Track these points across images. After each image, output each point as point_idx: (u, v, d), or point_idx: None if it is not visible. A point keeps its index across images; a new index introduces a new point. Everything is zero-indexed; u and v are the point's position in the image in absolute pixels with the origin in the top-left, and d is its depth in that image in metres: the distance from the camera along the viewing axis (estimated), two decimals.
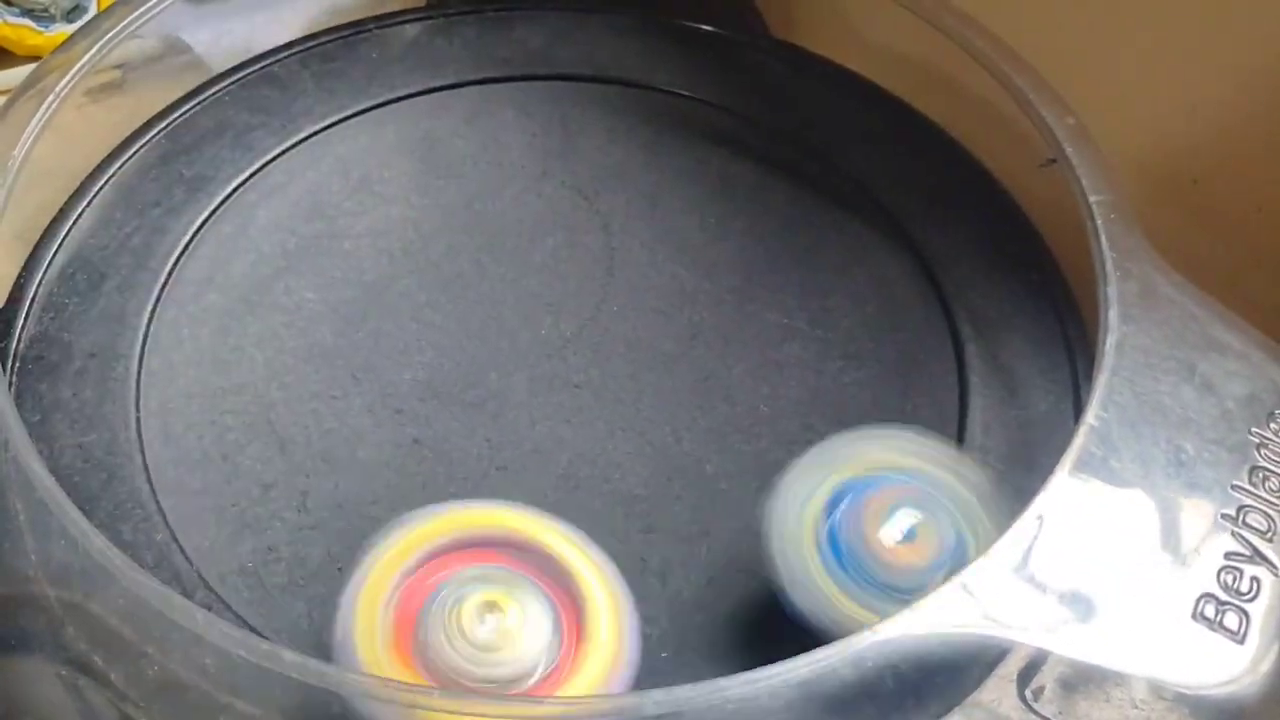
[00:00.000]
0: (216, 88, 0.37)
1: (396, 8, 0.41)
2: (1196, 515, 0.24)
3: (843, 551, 0.24)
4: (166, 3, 0.35)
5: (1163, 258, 0.29)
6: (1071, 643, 0.23)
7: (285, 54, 0.38)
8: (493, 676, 0.21)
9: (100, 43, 0.33)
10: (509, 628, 0.22)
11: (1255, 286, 0.37)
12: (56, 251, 0.33)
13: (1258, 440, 0.26)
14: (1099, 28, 0.39)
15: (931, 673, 0.24)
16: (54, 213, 0.34)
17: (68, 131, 0.32)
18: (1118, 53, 0.38)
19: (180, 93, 0.37)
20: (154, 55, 0.43)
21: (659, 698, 0.21)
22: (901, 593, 0.23)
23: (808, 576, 0.24)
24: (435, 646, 0.21)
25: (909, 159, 0.37)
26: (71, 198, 0.34)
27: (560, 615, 0.23)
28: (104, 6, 0.46)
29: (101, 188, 0.34)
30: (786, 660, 0.21)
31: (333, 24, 0.40)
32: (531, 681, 0.22)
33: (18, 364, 0.30)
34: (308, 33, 0.39)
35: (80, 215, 0.33)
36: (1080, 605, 0.23)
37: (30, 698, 0.23)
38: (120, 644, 0.22)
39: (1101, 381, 0.26)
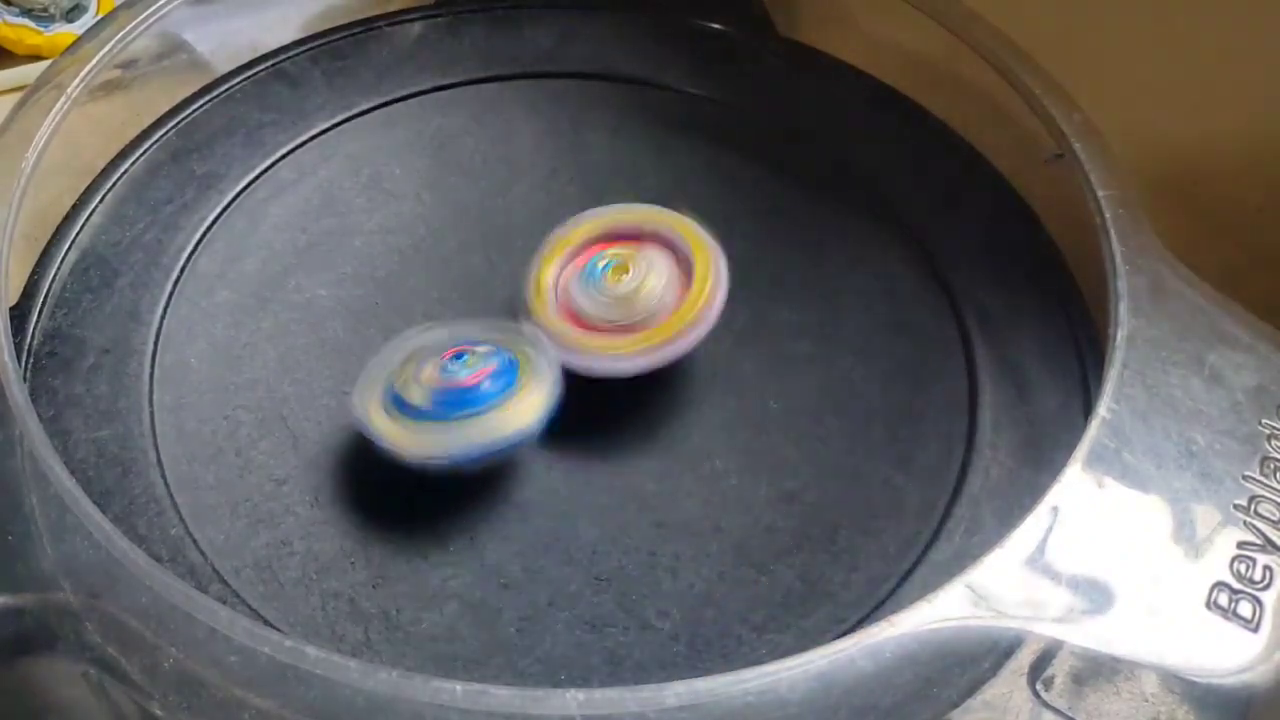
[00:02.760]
0: (227, 85, 0.37)
1: (403, 5, 0.41)
2: (1209, 506, 0.24)
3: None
4: (176, 2, 0.35)
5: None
6: (1086, 633, 0.23)
7: (296, 51, 0.38)
8: (624, 319, 0.29)
9: (111, 43, 0.33)
10: (636, 283, 0.30)
11: (1256, 287, 0.37)
12: (69, 248, 0.33)
13: (1268, 431, 0.26)
14: (1100, 28, 0.39)
15: (946, 665, 0.24)
16: (59, 211, 0.34)
17: (70, 131, 0.32)
18: (1118, 53, 0.38)
19: (183, 92, 0.37)
20: (157, 55, 0.43)
21: (679, 690, 0.21)
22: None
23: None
24: (581, 300, 0.30)
25: (916, 156, 0.37)
26: (83, 195, 0.34)
27: (674, 273, 0.30)
28: (104, 7, 0.47)
29: (113, 185, 0.34)
30: (804, 653, 0.22)
31: (335, 23, 0.40)
32: (652, 319, 0.30)
33: (31, 360, 0.30)
34: (310, 32, 0.40)
35: (92, 212, 0.34)
36: (1095, 596, 0.23)
37: (54, 697, 0.23)
38: (139, 640, 0.22)
39: (1113, 375, 0.26)
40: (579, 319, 0.30)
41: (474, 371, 0.28)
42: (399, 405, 0.28)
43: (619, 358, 0.29)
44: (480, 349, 0.28)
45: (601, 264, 0.30)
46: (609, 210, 0.32)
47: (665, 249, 0.31)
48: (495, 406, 0.28)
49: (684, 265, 0.30)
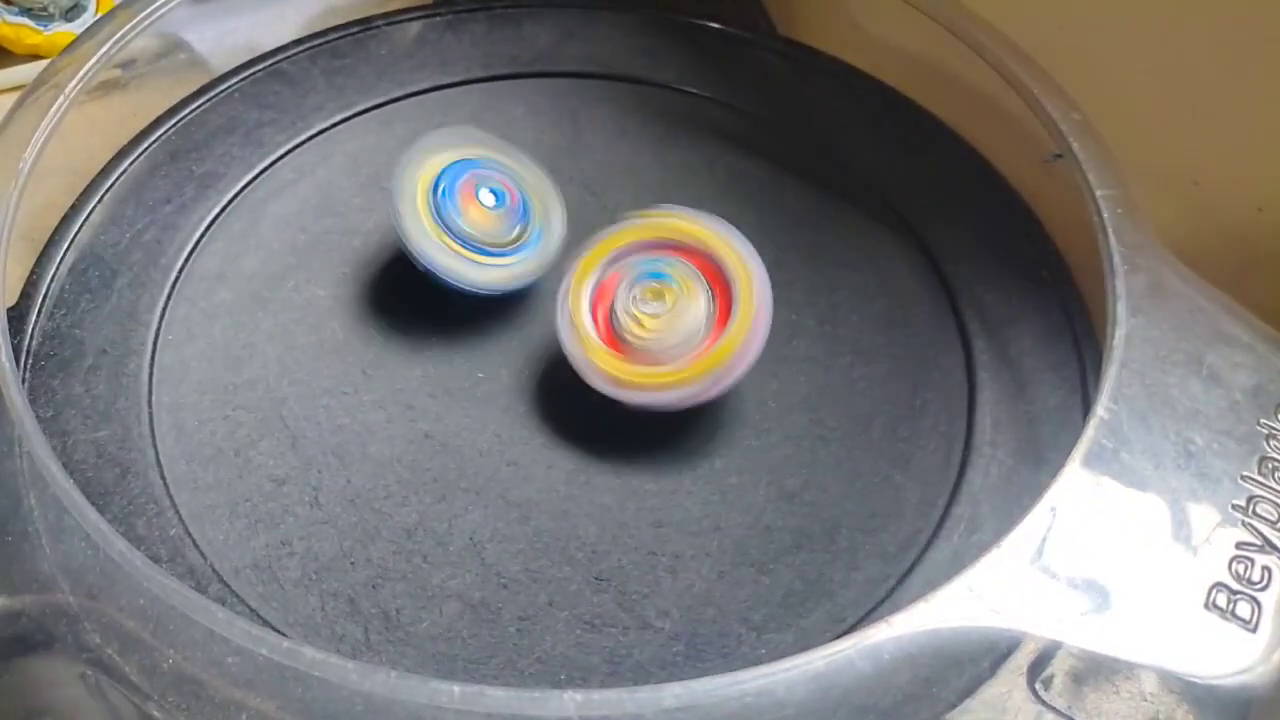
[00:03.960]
0: (226, 85, 0.37)
1: (403, 4, 0.41)
2: (1207, 506, 0.24)
3: (448, 222, 0.31)
4: (174, 2, 0.35)
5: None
6: (1084, 634, 0.23)
7: (294, 51, 0.38)
8: (664, 344, 0.28)
9: (109, 43, 0.33)
10: (672, 309, 0.29)
11: (1257, 287, 0.37)
12: (68, 248, 0.33)
13: (1266, 431, 0.26)
14: (1100, 28, 0.39)
15: (945, 665, 0.24)
16: (57, 211, 0.34)
17: (69, 131, 0.32)
18: (1118, 53, 0.38)
19: (182, 92, 0.37)
20: (155, 54, 0.43)
21: (677, 691, 0.21)
22: (493, 249, 0.31)
23: (428, 242, 0.31)
24: (620, 325, 0.29)
25: (915, 155, 0.37)
26: (82, 195, 0.34)
27: (713, 295, 0.29)
28: (103, 6, 0.46)
29: (112, 185, 0.34)
30: (802, 653, 0.22)
31: (334, 22, 0.40)
32: (689, 345, 0.29)
33: (31, 360, 0.30)
34: (309, 32, 0.40)
35: (91, 212, 0.34)
36: (1093, 596, 0.23)
37: (51, 698, 0.23)
38: (137, 641, 0.22)
39: (1111, 374, 0.26)
40: (616, 342, 0.29)
41: (505, 212, 0.32)
42: (449, 230, 0.31)
43: (656, 391, 0.29)
44: (510, 190, 0.32)
45: (637, 283, 0.29)
46: (645, 218, 0.30)
47: (706, 265, 0.30)
48: (520, 253, 0.32)
49: (722, 287, 0.29)
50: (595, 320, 0.30)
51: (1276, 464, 0.25)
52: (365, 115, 0.37)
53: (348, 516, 0.29)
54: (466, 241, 0.31)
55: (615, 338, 0.29)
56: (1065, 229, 0.35)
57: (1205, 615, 0.23)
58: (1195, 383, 0.26)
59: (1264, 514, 0.24)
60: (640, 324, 0.29)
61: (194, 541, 0.28)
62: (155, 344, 0.31)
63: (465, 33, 0.39)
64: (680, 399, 0.29)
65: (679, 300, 0.29)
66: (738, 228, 0.35)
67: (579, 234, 0.35)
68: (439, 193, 0.31)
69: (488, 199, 0.31)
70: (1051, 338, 0.33)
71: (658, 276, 0.29)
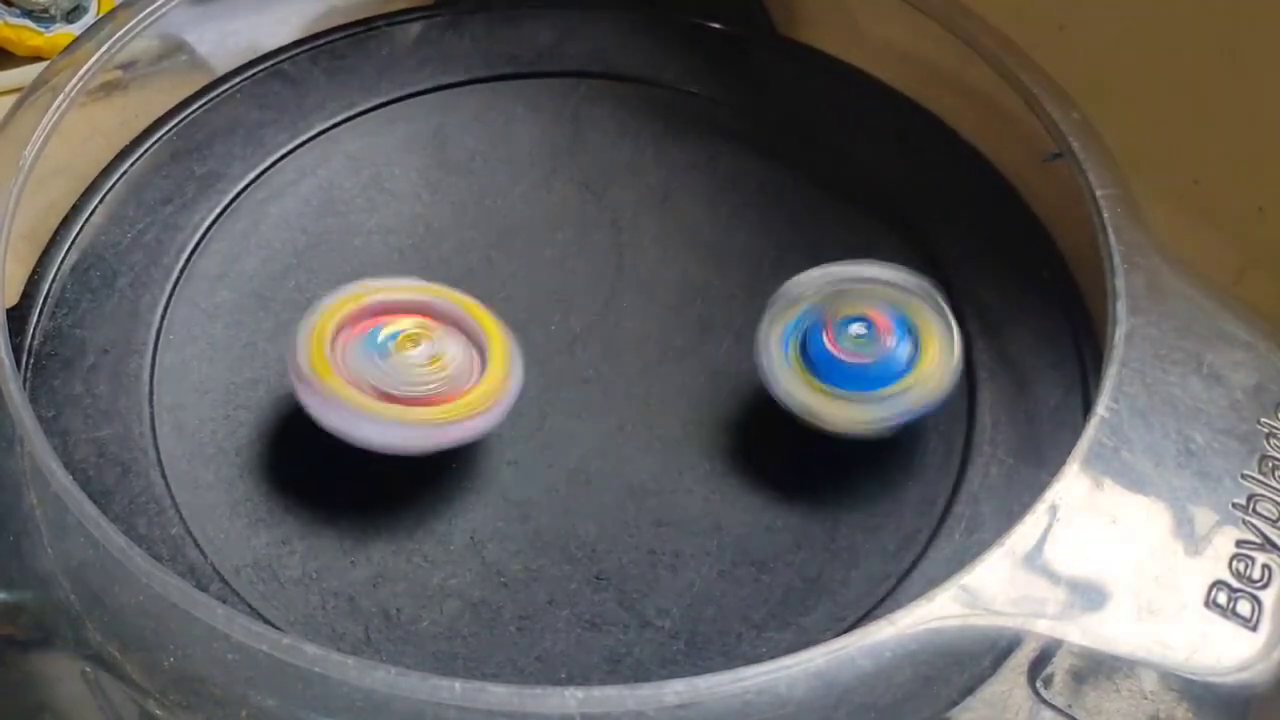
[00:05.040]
0: (227, 85, 0.37)
1: (404, 5, 0.41)
2: (1207, 504, 0.24)
3: (815, 362, 0.29)
4: (174, 2, 0.35)
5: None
6: (1085, 632, 0.23)
7: (295, 51, 0.38)
8: (418, 393, 0.27)
9: (109, 43, 0.33)
10: (434, 353, 0.28)
11: (1256, 287, 0.37)
12: (69, 248, 0.33)
13: (1266, 430, 0.26)
14: (1100, 27, 0.39)
15: (946, 663, 0.24)
16: (59, 212, 0.34)
17: (70, 132, 0.32)
18: (1118, 52, 0.38)
19: (183, 93, 0.37)
20: (157, 56, 0.43)
21: (679, 688, 0.21)
22: (869, 384, 0.29)
23: (795, 386, 0.29)
24: (374, 372, 0.27)
25: (915, 155, 0.37)
26: (83, 195, 0.34)
27: (470, 350, 0.29)
28: (104, 7, 0.47)
29: (113, 185, 0.34)
30: (805, 650, 0.22)
31: (336, 23, 0.40)
32: (441, 396, 0.27)
33: (32, 360, 0.31)
34: (310, 32, 0.40)
35: (93, 212, 0.34)
36: (1093, 595, 0.23)
37: (52, 695, 0.23)
38: (138, 639, 0.22)
39: (1111, 373, 0.26)
40: (359, 385, 0.27)
41: (880, 343, 0.29)
42: (814, 369, 0.29)
43: (404, 427, 0.27)
44: (878, 314, 0.29)
45: (388, 333, 0.28)
46: (398, 283, 0.29)
47: (456, 329, 0.29)
48: (909, 376, 0.29)
49: (477, 348, 0.29)
50: (337, 360, 0.28)
51: (1277, 462, 0.25)
52: (366, 115, 0.37)
53: (348, 515, 0.29)
54: (837, 380, 0.29)
55: (358, 380, 0.28)
56: (1065, 229, 0.35)
57: (1205, 613, 0.23)
58: (1195, 381, 0.27)
59: (1264, 512, 0.24)
60: (394, 366, 0.28)
61: (194, 540, 0.28)
62: (156, 343, 0.31)
63: (465, 33, 0.39)
64: (420, 442, 0.27)
65: (438, 350, 0.28)
66: (738, 227, 0.36)
67: (581, 234, 0.35)
68: (804, 337, 0.29)
69: (858, 330, 0.29)
70: (1051, 337, 0.33)
71: (412, 329, 0.28)
